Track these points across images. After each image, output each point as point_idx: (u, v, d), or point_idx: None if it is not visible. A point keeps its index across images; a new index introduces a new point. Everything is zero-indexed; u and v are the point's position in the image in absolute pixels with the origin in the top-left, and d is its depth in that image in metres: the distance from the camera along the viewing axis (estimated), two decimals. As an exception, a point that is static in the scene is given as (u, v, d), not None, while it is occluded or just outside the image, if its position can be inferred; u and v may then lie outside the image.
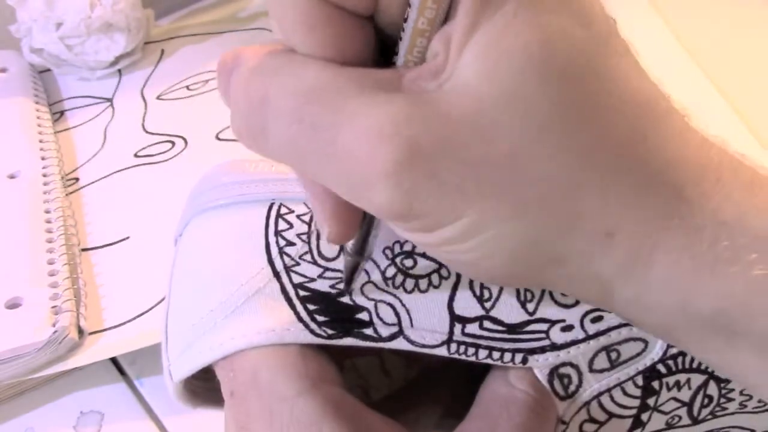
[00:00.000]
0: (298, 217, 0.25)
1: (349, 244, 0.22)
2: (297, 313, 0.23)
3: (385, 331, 0.23)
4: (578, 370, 0.23)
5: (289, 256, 0.24)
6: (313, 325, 0.23)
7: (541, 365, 0.23)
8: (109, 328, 0.40)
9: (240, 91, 0.19)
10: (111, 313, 0.41)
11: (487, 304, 0.23)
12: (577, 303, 0.23)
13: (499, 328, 0.23)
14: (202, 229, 0.26)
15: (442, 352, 0.23)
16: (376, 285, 0.23)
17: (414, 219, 0.18)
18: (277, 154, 0.20)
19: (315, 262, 0.24)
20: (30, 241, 0.43)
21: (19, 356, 0.37)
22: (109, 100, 0.58)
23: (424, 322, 0.23)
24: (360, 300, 0.23)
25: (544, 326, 0.23)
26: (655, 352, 0.23)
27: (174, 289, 0.26)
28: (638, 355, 0.23)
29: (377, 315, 0.23)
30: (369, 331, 0.23)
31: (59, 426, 0.38)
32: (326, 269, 0.24)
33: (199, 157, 0.51)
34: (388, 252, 0.24)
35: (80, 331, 0.39)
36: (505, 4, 0.17)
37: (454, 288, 0.23)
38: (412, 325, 0.23)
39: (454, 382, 0.27)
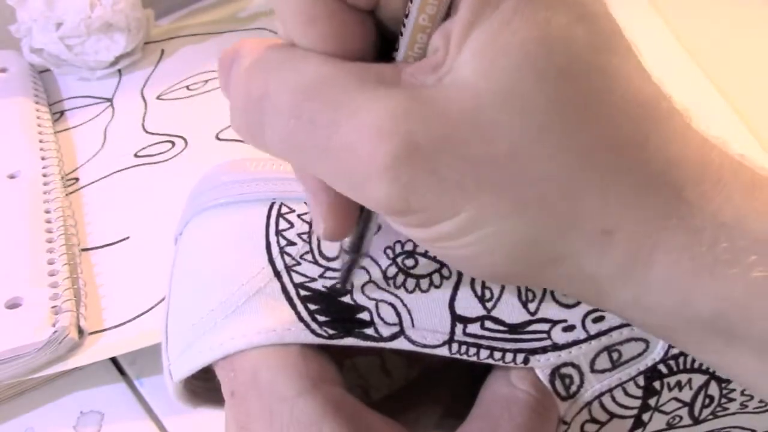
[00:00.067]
0: (298, 216, 0.24)
1: (346, 242, 0.22)
2: (298, 313, 0.23)
3: (386, 331, 0.23)
4: (580, 370, 0.23)
5: (289, 255, 0.24)
6: (314, 325, 0.23)
7: (542, 365, 0.23)
8: (109, 328, 0.40)
9: (240, 86, 0.19)
10: (111, 313, 0.41)
11: (489, 304, 0.23)
12: (578, 303, 0.23)
13: (501, 328, 0.23)
14: (203, 229, 0.26)
15: (444, 352, 0.23)
16: (377, 284, 0.23)
17: (412, 214, 0.18)
18: (276, 150, 0.20)
19: (316, 262, 0.24)
20: (30, 241, 0.43)
21: (19, 356, 0.37)
22: (109, 100, 0.58)
23: (426, 322, 0.23)
24: (361, 300, 0.23)
25: (545, 326, 0.23)
26: (657, 352, 0.23)
27: (174, 289, 0.26)
28: (639, 355, 0.23)
29: (378, 315, 0.23)
30: (370, 331, 0.23)
31: (59, 426, 0.38)
32: (327, 269, 0.24)
33: (199, 157, 0.51)
34: (389, 251, 0.23)
35: (80, 331, 0.39)
36: (505, 1, 0.17)
37: (456, 288, 0.23)
38: (413, 325, 0.23)
39: (455, 382, 0.27)
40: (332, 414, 0.21)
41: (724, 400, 0.25)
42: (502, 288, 0.23)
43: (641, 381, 0.24)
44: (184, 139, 0.52)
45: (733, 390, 0.25)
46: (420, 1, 0.17)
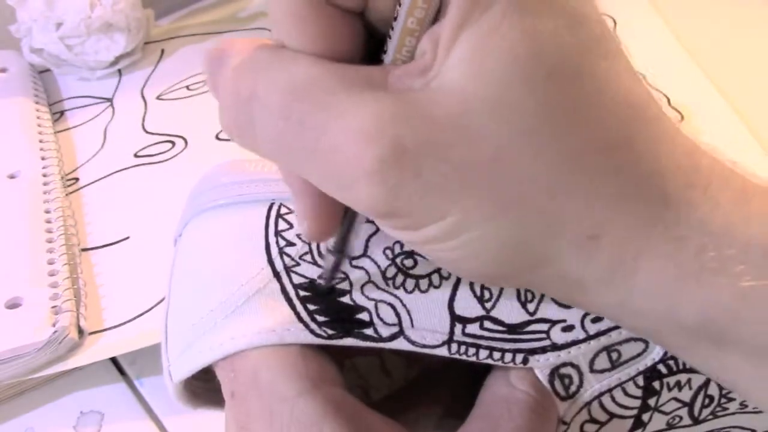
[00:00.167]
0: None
1: (331, 242, 0.22)
2: (297, 314, 0.23)
3: (385, 332, 0.23)
4: (579, 371, 0.23)
5: (289, 256, 0.24)
6: (313, 325, 0.23)
7: (541, 365, 0.23)
8: (109, 328, 0.40)
9: (228, 86, 0.19)
10: (111, 313, 0.41)
11: (488, 305, 0.23)
12: (577, 303, 0.23)
13: (500, 328, 0.23)
14: (202, 230, 0.26)
15: (443, 352, 0.23)
16: (376, 285, 0.23)
17: (398, 217, 0.19)
18: (265, 150, 0.20)
19: (315, 263, 0.24)
20: (30, 241, 0.43)
21: (19, 356, 0.37)
22: (109, 100, 0.58)
23: (425, 322, 0.23)
24: (360, 300, 0.23)
25: (544, 326, 0.23)
26: (656, 352, 0.23)
27: (174, 289, 0.26)
28: (639, 355, 0.23)
29: (377, 315, 0.23)
30: (369, 332, 0.23)
31: (59, 426, 0.38)
32: (326, 269, 0.24)
33: (199, 157, 0.51)
34: (388, 252, 0.23)
35: (80, 331, 0.39)
36: (493, 5, 0.17)
37: (455, 288, 0.23)
38: (412, 325, 0.23)
39: (454, 382, 0.27)
40: (333, 414, 0.21)
41: (723, 400, 0.25)
42: (501, 288, 0.23)
43: (641, 381, 0.24)
44: (184, 139, 0.52)
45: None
46: (408, 5, 0.17)
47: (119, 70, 0.60)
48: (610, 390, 0.24)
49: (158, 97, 0.57)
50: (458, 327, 0.23)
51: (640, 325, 0.20)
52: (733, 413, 0.25)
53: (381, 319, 0.23)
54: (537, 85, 0.17)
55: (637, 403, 0.24)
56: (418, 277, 0.23)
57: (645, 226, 0.18)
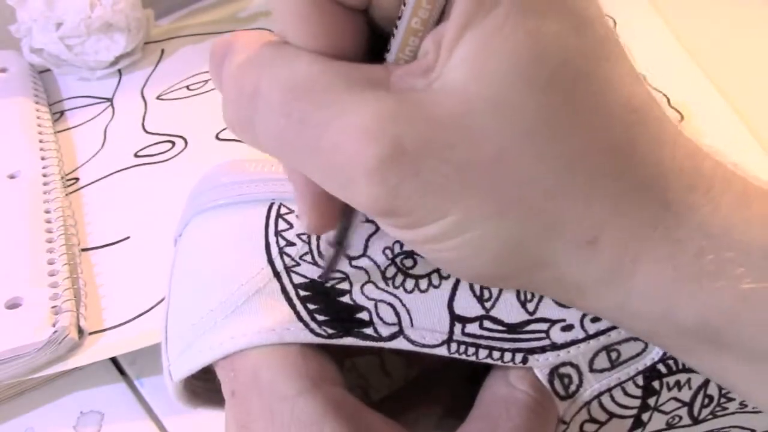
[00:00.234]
0: (298, 217, 0.25)
1: (330, 235, 0.22)
2: (297, 313, 0.23)
3: (385, 331, 0.23)
4: (578, 370, 0.23)
5: (289, 256, 0.24)
6: (313, 325, 0.23)
7: (541, 365, 0.23)
8: (109, 328, 0.40)
9: (232, 81, 0.19)
10: (111, 313, 0.41)
11: (487, 304, 0.23)
12: (577, 303, 0.23)
13: (499, 327, 0.23)
14: (202, 230, 0.26)
15: (442, 351, 0.23)
16: (376, 285, 0.23)
17: (398, 216, 0.19)
18: (267, 146, 0.20)
19: (315, 263, 0.24)
20: (30, 241, 0.43)
21: (19, 356, 0.37)
22: (109, 100, 0.58)
23: (424, 322, 0.23)
24: (360, 300, 0.23)
25: (544, 326, 0.23)
26: (656, 351, 0.23)
27: (174, 289, 0.26)
28: (638, 354, 0.23)
29: (377, 314, 0.23)
30: (369, 331, 0.23)
31: (59, 426, 0.38)
32: (326, 269, 0.24)
33: (199, 157, 0.51)
34: (388, 252, 0.24)
35: (80, 331, 0.39)
36: (496, 7, 0.17)
37: (454, 288, 0.23)
38: (412, 325, 0.23)
39: (454, 382, 0.27)
40: (333, 413, 0.21)
41: (723, 400, 0.25)
42: (501, 288, 0.23)
43: (640, 381, 0.24)
44: (184, 139, 0.52)
45: (732, 390, 0.25)
46: (413, 5, 0.17)
47: (119, 70, 0.60)
48: (609, 389, 0.24)
49: (158, 97, 0.57)
50: (458, 326, 0.23)
51: (638, 327, 0.20)
52: (733, 413, 0.25)
53: (381, 319, 0.23)
54: (539, 87, 0.17)
55: (637, 402, 0.24)
56: (417, 277, 0.23)
57: (644, 228, 0.18)
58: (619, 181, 0.18)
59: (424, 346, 0.23)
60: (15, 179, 0.49)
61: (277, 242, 0.24)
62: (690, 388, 0.24)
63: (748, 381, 0.20)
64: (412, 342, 0.23)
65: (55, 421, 0.39)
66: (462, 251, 0.19)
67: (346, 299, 0.23)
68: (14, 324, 0.38)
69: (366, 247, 0.24)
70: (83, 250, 0.45)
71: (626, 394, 0.24)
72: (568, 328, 0.23)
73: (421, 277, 0.23)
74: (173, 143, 0.52)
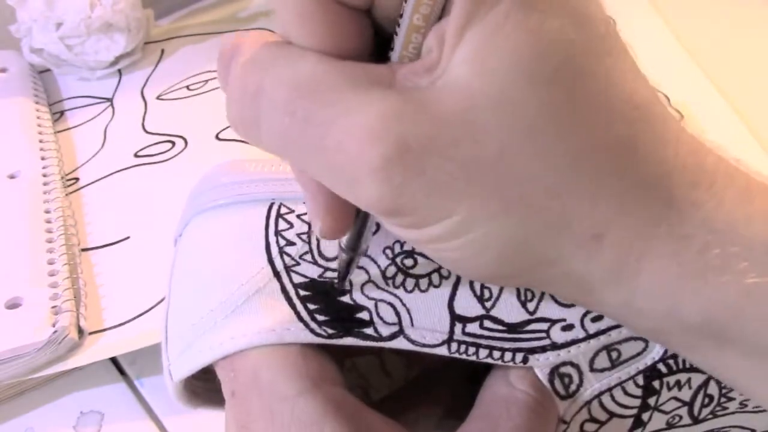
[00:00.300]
0: (298, 216, 0.25)
1: (344, 240, 0.22)
2: (297, 313, 0.23)
3: (385, 331, 0.23)
4: (579, 370, 0.23)
5: (289, 255, 0.24)
6: (313, 325, 0.23)
7: (541, 365, 0.23)
8: (109, 328, 0.40)
9: (236, 80, 0.19)
10: (111, 313, 0.41)
11: (488, 304, 0.23)
12: (577, 302, 0.23)
13: (500, 327, 0.23)
14: (202, 230, 0.26)
15: (443, 351, 0.23)
16: (376, 284, 0.23)
17: (403, 215, 0.18)
18: (271, 146, 0.20)
19: (315, 262, 0.24)
20: (30, 241, 0.43)
21: (19, 356, 0.37)
22: (109, 100, 0.58)
23: (425, 322, 0.23)
24: (360, 299, 0.23)
25: (544, 325, 0.23)
26: (656, 351, 0.23)
27: (174, 289, 0.26)
28: (639, 354, 0.23)
29: (377, 314, 0.23)
30: (369, 331, 0.23)
31: (59, 426, 0.38)
32: (326, 269, 0.24)
33: (199, 157, 0.51)
34: (388, 251, 0.24)
35: (80, 331, 0.39)
36: (498, 3, 0.17)
37: (455, 287, 0.23)
38: (412, 325, 0.23)
39: (454, 382, 0.27)
40: (333, 413, 0.21)
41: (723, 400, 0.25)
42: (501, 287, 0.23)
43: (640, 380, 0.24)
44: (184, 139, 0.52)
45: (733, 389, 0.25)
46: (414, 1, 0.17)
47: (119, 70, 0.60)
48: (610, 389, 0.24)
49: (158, 97, 0.57)
50: (458, 326, 0.23)
51: (642, 325, 0.20)
52: (733, 412, 0.25)
53: (381, 319, 0.23)
54: (541, 84, 0.17)
55: (637, 402, 0.24)
56: (418, 277, 0.23)
57: (649, 225, 0.18)
58: (624, 179, 0.18)
59: (424, 345, 0.23)
60: (15, 179, 0.49)
61: (277, 242, 0.24)
62: (690, 387, 0.24)
63: (750, 377, 0.20)
64: (413, 342, 0.23)
65: (55, 421, 0.39)
66: (467, 250, 0.19)
67: (346, 299, 0.23)
68: (14, 324, 0.38)
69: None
70: (83, 250, 0.45)
71: (626, 393, 0.24)
72: (569, 327, 0.23)
73: (422, 276, 0.23)
74: (173, 143, 0.52)
